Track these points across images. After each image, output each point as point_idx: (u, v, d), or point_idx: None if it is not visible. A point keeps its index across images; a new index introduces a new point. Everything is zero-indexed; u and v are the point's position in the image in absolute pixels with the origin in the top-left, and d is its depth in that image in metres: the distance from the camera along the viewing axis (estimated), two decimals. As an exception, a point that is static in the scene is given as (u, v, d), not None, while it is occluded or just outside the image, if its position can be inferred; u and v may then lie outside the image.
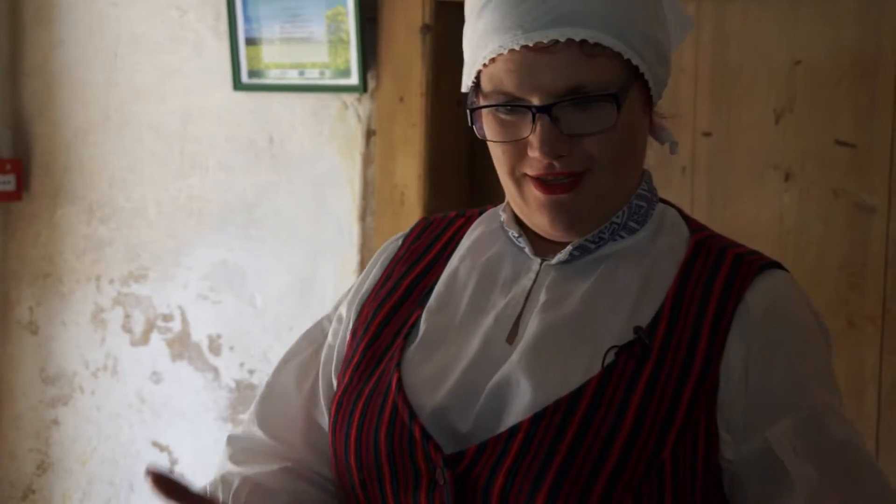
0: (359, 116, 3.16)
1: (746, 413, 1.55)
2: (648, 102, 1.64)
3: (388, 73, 3.08)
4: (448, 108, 3.08)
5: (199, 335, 3.43)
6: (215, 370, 3.38)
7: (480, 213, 1.80)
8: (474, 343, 1.62)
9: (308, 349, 1.85)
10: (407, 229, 1.84)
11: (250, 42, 3.24)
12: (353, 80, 3.10)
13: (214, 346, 3.39)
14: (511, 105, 1.56)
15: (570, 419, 1.51)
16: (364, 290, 1.79)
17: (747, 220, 2.78)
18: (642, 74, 1.59)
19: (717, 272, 1.61)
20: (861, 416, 2.67)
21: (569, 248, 1.63)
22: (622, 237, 1.66)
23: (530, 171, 1.58)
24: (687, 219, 1.71)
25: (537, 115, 1.53)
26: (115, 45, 3.50)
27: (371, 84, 3.11)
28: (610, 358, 1.55)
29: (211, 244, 3.39)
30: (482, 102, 1.60)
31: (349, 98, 3.17)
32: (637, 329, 1.56)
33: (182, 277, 3.45)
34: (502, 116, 1.57)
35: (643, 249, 1.65)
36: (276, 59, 3.21)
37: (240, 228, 3.35)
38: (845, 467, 1.56)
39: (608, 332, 1.58)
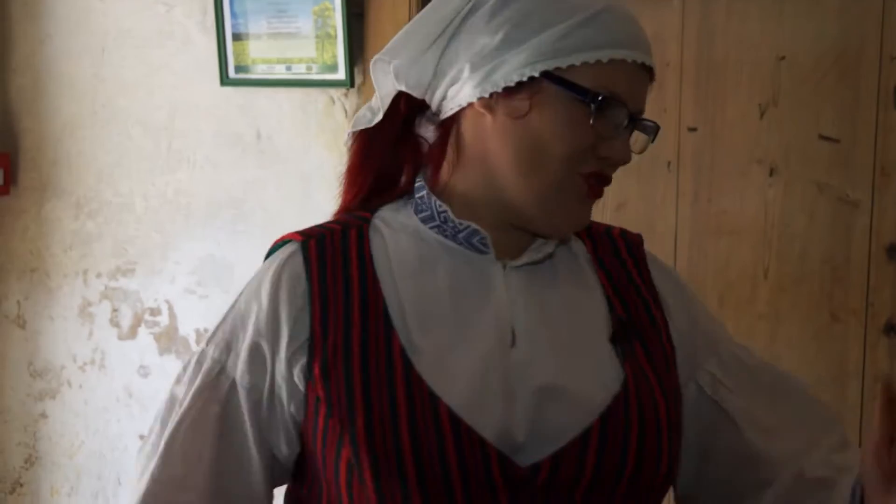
0: (346, 111, 3.17)
1: (678, 363, 1.76)
2: None
3: (374, 68, 3.09)
4: (434, 102, 3.08)
5: (186, 329, 3.44)
6: (203, 364, 3.38)
7: (354, 224, 1.73)
8: (493, 359, 1.63)
9: (210, 411, 1.70)
10: (286, 254, 1.71)
11: (237, 37, 3.24)
12: (341, 74, 3.11)
13: (202, 339, 3.38)
14: (634, 118, 1.65)
15: (629, 410, 1.63)
16: (296, 330, 1.66)
17: (732, 215, 2.80)
18: None
19: (618, 249, 1.82)
20: (845, 408, 2.69)
21: (541, 246, 1.72)
22: None
23: (589, 168, 1.64)
24: None
25: (636, 123, 1.66)
26: (103, 40, 3.51)
27: (358, 79, 3.13)
28: (619, 347, 1.69)
29: (198, 239, 3.40)
30: (580, 95, 1.63)
31: (336, 93, 3.18)
32: (618, 316, 1.71)
33: (169, 272, 3.46)
34: (594, 113, 1.62)
35: (557, 245, 1.76)
36: (263, 54, 3.22)
37: (227, 223, 3.36)
38: (769, 386, 1.81)
39: (593, 323, 1.71)
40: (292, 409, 1.66)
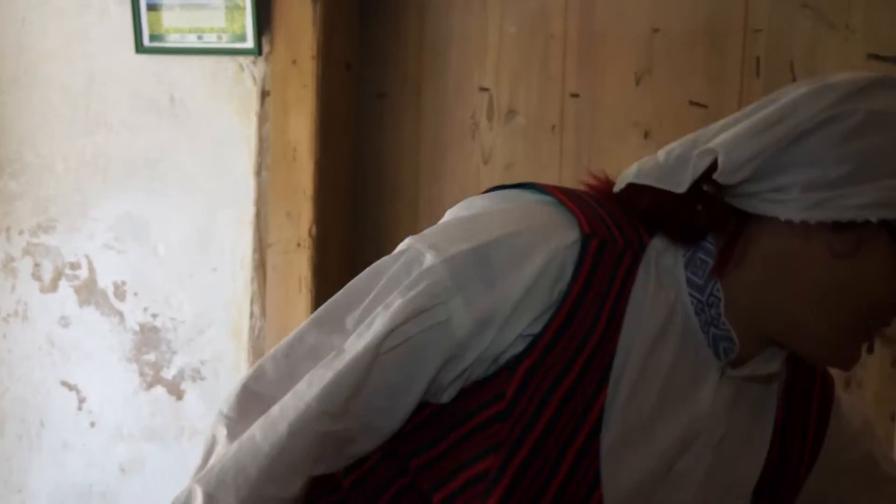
0: (254, 78, 3.26)
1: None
2: None
3: (281, 38, 3.17)
4: (337, 70, 3.19)
5: (105, 282, 3.51)
6: (120, 314, 3.49)
7: (634, 243, 1.54)
8: (664, 462, 1.55)
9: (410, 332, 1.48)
10: (567, 239, 1.51)
11: (151, 7, 3.31)
12: (249, 44, 3.20)
13: (119, 292, 3.49)
14: None
15: None
16: (536, 323, 1.49)
17: (610, 174, 2.96)
18: None
19: (813, 385, 1.71)
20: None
21: (767, 361, 1.59)
22: None
23: (883, 318, 1.54)
24: None
25: None
26: (24, 10, 3.55)
27: (266, 48, 3.21)
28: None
29: (116, 198, 3.47)
30: None
31: (245, 61, 3.27)
32: (766, 476, 1.66)
33: (89, 228, 3.52)
34: None
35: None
36: (175, 24, 3.29)
37: (143, 183, 3.43)
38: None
39: (748, 467, 1.65)
40: (476, 375, 1.51)
